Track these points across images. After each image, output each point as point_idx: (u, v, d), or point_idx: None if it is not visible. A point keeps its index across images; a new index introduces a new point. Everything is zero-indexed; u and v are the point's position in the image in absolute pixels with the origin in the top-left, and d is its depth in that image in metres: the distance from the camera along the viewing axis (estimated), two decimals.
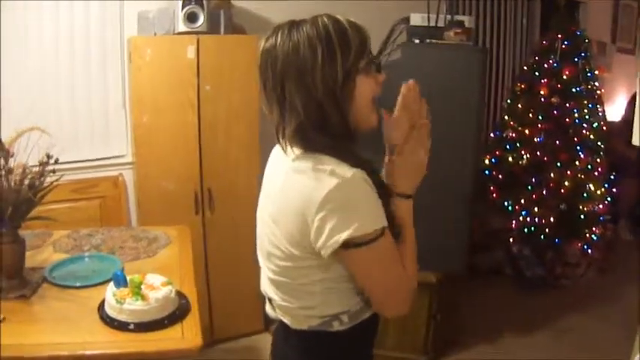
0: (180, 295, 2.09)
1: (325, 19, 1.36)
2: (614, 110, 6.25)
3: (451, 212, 3.28)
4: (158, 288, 1.98)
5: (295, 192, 1.36)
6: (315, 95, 1.34)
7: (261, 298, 1.62)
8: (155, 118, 3.36)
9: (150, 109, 3.35)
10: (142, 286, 1.95)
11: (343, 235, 1.31)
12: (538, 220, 4.55)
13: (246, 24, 3.72)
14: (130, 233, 2.80)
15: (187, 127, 3.43)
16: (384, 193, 1.41)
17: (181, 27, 3.28)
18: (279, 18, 1.43)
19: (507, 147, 4.71)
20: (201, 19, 3.30)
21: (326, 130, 1.37)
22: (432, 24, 3.59)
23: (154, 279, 2.03)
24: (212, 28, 3.41)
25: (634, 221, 5.98)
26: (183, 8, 3.26)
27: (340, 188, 1.29)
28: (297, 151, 1.40)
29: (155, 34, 3.36)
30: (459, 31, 3.32)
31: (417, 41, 3.47)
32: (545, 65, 4.61)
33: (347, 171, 1.31)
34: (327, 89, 1.34)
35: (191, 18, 3.28)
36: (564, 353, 3.85)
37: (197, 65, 3.35)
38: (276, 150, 1.54)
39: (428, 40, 3.45)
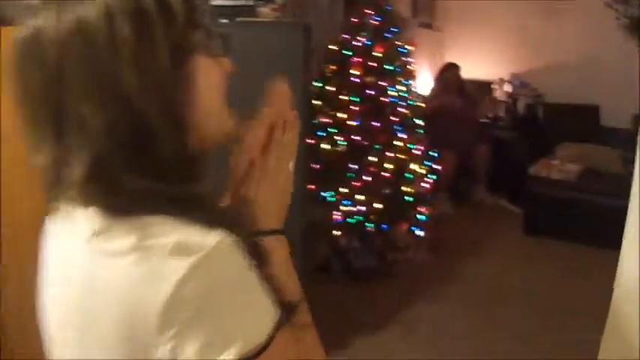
0: None
1: None
2: (419, 85, 6.27)
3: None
4: None
5: (114, 295, 0.75)
6: (127, 98, 0.76)
7: None
8: None
9: None
10: None
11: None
12: (362, 208, 4.34)
13: None
14: None
15: None
16: (259, 254, 0.83)
17: None
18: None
19: (323, 133, 4.44)
20: None
21: (148, 164, 0.78)
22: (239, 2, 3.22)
23: None
24: None
25: (453, 194, 6.05)
26: None
27: (199, 274, 0.73)
28: (94, 215, 0.79)
29: None
30: (275, 6, 2.97)
31: (225, 21, 3.07)
32: (356, 43, 4.40)
33: (205, 238, 0.75)
34: (147, 83, 0.76)
35: None
36: (419, 345, 3.70)
37: None
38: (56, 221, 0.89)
39: (239, 19, 3.06)
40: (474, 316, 4.06)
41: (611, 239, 5.26)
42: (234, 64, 0.91)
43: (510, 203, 6.25)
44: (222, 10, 3.17)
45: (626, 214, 5.17)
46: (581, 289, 4.49)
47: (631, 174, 5.66)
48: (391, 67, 4.44)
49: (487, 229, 5.73)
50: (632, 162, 5.80)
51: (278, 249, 0.91)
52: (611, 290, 4.38)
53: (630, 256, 1.47)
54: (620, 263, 1.93)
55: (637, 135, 6.21)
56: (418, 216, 4.59)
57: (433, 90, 6.34)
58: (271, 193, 0.94)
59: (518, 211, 5.91)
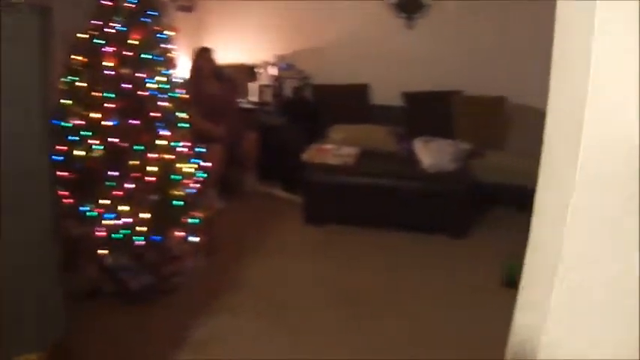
0: None
1: None
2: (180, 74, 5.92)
3: (31, 255, 2.47)
4: None
5: None
6: None
7: None
8: None
9: None
10: None
11: None
12: (128, 220, 3.87)
13: None
14: None
15: None
16: None
17: None
18: None
19: (76, 138, 3.89)
20: None
21: None
22: None
23: None
24: None
25: (223, 188, 5.79)
26: None
27: None
28: None
29: None
30: None
31: None
32: (109, 30, 3.89)
33: None
34: None
35: None
36: None
37: None
38: None
39: None
40: (270, 322, 3.82)
41: (396, 220, 5.40)
42: None
43: (286, 191, 6.13)
44: None
45: (406, 193, 5.29)
46: (375, 276, 4.57)
47: (406, 151, 5.80)
48: (149, 56, 4.00)
49: (267, 222, 5.55)
50: (406, 139, 5.94)
51: None
52: (405, 271, 4.47)
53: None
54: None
55: (406, 111, 6.41)
56: (190, 220, 4.24)
57: (188, 78, 5.97)
58: None
59: (296, 200, 5.80)
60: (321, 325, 3.81)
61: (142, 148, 3.93)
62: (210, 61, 5.99)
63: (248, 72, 6.76)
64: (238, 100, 6.32)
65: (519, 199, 5.97)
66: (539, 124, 5.61)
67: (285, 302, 4.09)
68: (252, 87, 6.72)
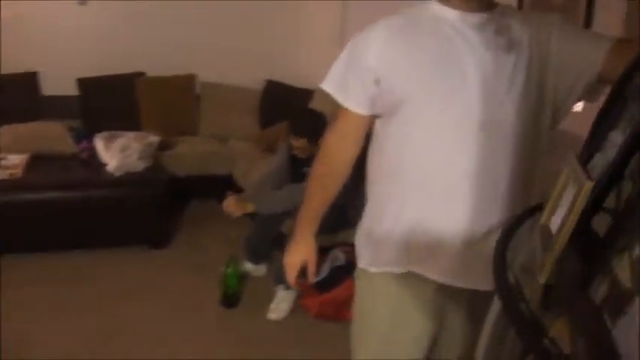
0: None
1: None
2: None
3: None
4: None
5: None
6: None
7: None
8: None
9: None
10: None
11: None
12: None
13: None
14: None
15: None
16: None
17: None
18: None
19: None
20: None
21: None
22: None
23: None
24: None
25: None
26: None
27: None
28: None
29: None
30: None
31: None
32: None
33: None
34: None
35: None
36: None
37: None
38: None
39: None
40: None
41: (84, 238, 4.60)
42: None
43: None
44: None
45: (90, 204, 4.47)
46: (65, 319, 3.80)
47: (87, 151, 4.90)
48: None
49: None
50: (86, 137, 5.06)
51: None
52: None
53: None
54: None
55: (83, 101, 5.53)
56: None
57: None
58: None
59: None
60: None
61: None
62: None
63: None
64: None
65: (218, 190, 5.53)
66: (233, 101, 5.10)
67: None
68: None
